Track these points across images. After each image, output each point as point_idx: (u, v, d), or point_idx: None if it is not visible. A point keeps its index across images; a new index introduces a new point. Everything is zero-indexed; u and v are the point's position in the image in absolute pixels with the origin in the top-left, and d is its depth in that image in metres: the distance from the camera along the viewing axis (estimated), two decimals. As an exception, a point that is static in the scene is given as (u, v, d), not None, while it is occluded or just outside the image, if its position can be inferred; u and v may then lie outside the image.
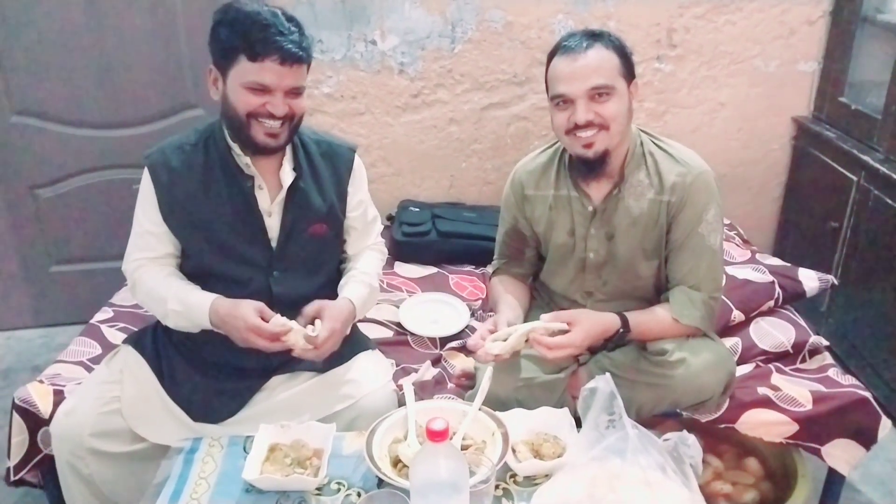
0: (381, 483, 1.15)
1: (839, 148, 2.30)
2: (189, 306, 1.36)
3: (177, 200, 1.39)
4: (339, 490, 1.18)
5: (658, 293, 1.54)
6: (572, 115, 1.38)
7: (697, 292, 1.45)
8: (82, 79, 2.30)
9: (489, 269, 1.73)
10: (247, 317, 1.28)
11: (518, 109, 2.53)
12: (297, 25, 1.32)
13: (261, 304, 1.32)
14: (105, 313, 1.89)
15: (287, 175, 1.40)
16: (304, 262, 1.45)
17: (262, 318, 1.29)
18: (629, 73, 1.41)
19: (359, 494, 1.16)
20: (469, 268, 2.15)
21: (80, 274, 2.55)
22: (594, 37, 1.38)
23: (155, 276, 1.42)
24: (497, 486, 1.15)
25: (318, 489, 1.17)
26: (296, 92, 1.33)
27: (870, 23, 2.31)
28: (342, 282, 1.51)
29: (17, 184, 2.40)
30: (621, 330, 1.43)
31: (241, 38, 1.27)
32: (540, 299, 1.68)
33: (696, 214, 1.44)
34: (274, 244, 1.43)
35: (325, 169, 1.47)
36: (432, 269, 2.13)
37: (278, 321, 1.29)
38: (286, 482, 1.16)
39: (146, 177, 1.41)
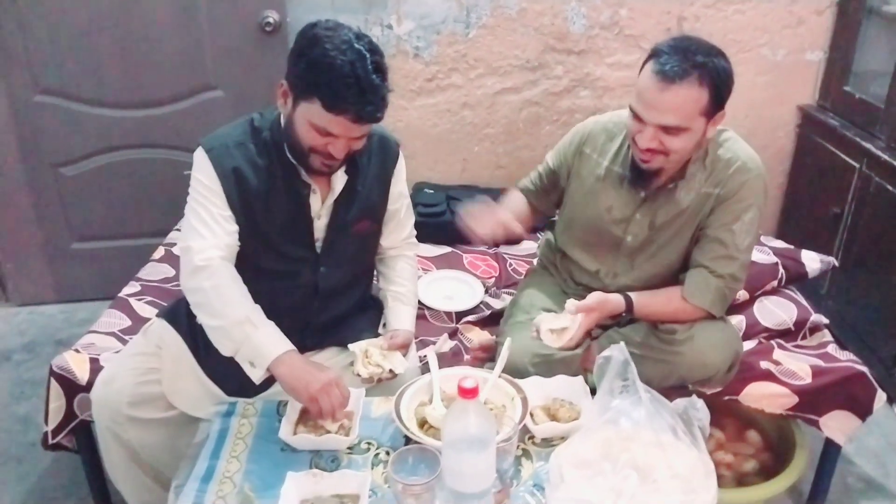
0: (408, 442, 1.22)
1: (842, 136, 2.35)
2: (261, 327, 1.31)
3: (238, 197, 1.39)
4: (368, 449, 1.25)
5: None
6: (639, 134, 1.37)
7: (715, 278, 1.48)
8: (105, 59, 2.35)
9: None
10: (332, 376, 1.26)
11: (530, 95, 2.58)
12: (383, 75, 1.26)
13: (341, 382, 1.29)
14: (132, 287, 1.94)
15: (339, 179, 1.42)
16: (349, 258, 1.49)
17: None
18: (717, 106, 1.35)
19: (388, 453, 1.23)
20: (482, 247, 2.21)
21: (100, 251, 2.61)
22: (694, 66, 1.29)
23: (238, 281, 1.36)
24: (517, 447, 1.23)
25: (349, 448, 1.25)
26: (360, 137, 1.33)
27: (876, 14, 2.36)
28: (392, 303, 1.56)
29: (40, 162, 2.45)
30: (624, 314, 1.49)
31: (321, 85, 1.22)
32: (558, 276, 1.72)
33: (735, 211, 1.45)
34: (319, 245, 1.46)
35: (375, 164, 1.48)
36: (447, 249, 2.18)
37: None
38: (320, 441, 1.23)
39: (208, 166, 1.36)
